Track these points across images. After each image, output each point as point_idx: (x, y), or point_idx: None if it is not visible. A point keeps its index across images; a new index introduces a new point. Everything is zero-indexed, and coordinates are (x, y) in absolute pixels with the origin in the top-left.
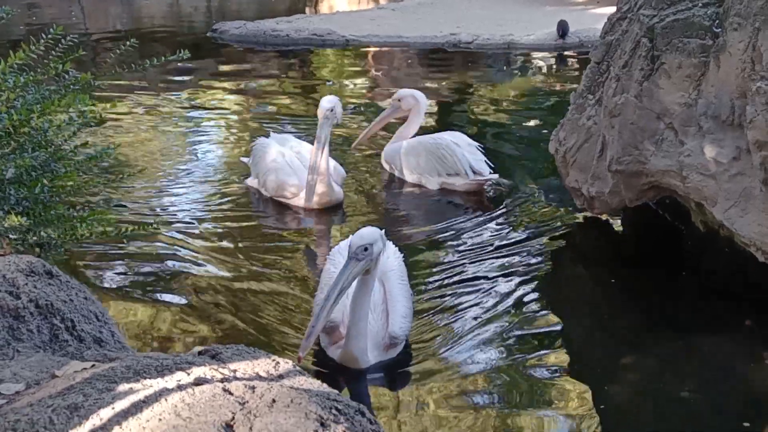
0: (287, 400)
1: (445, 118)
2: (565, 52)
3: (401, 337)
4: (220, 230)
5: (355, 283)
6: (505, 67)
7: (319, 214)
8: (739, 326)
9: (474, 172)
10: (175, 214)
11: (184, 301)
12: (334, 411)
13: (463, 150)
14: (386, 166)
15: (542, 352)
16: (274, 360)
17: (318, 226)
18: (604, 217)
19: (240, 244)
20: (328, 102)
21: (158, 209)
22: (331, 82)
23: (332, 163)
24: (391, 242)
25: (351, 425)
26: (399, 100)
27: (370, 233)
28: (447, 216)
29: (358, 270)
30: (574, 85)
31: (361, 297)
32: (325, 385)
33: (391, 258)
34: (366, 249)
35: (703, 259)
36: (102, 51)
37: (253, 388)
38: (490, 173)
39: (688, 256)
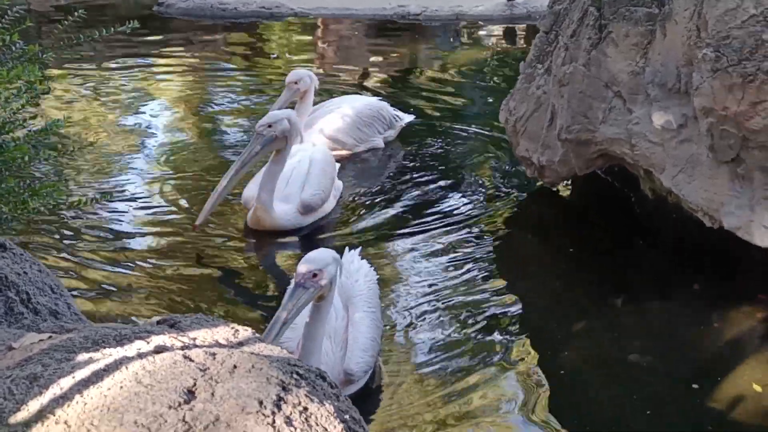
0: (248, 365)
1: (395, 91)
2: (514, 23)
3: (358, 374)
4: (164, 216)
5: (308, 310)
6: (451, 39)
7: (263, 234)
8: (687, 291)
9: (399, 119)
10: (124, 190)
11: (135, 274)
12: (295, 375)
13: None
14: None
15: (495, 321)
16: (233, 327)
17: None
18: (554, 185)
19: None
20: (268, 117)
21: (107, 184)
22: (275, 55)
23: (280, 183)
24: (365, 261)
25: (312, 389)
26: (296, 83)
27: (319, 257)
28: (397, 188)
29: (306, 299)
30: (524, 55)
31: (313, 326)
32: (285, 351)
33: (361, 281)
34: (315, 275)
35: (651, 225)
36: (46, 23)
37: (213, 354)
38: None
39: (637, 222)
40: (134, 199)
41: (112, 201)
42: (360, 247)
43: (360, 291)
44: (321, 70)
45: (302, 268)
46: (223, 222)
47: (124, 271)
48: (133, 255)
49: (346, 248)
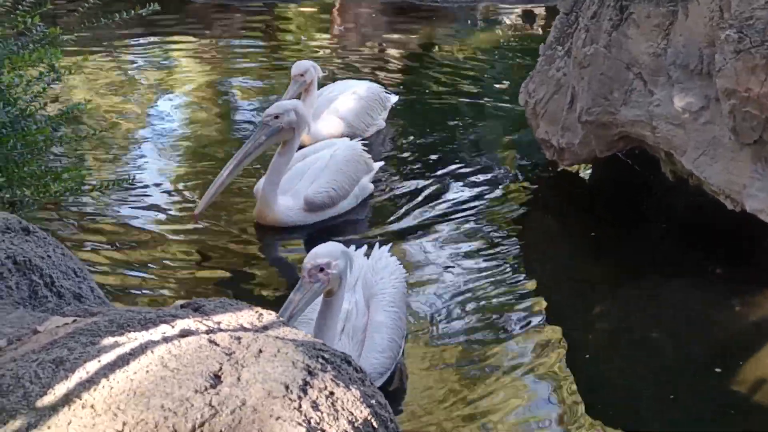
0: (274, 350)
1: (413, 74)
2: (533, 4)
3: (372, 376)
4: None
5: (319, 306)
6: (470, 21)
7: (271, 228)
8: (708, 274)
9: (388, 100)
10: (137, 174)
11: (135, 262)
12: (320, 360)
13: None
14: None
15: (515, 305)
16: (257, 312)
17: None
18: (574, 168)
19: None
20: (275, 107)
21: (122, 168)
22: (289, 37)
23: (296, 177)
24: (395, 258)
25: (338, 373)
26: (302, 75)
27: (327, 251)
28: (416, 172)
29: (313, 294)
30: (543, 37)
31: (324, 322)
32: (309, 335)
33: (386, 279)
34: (321, 269)
35: (672, 208)
36: (66, 6)
37: (239, 338)
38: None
39: (658, 205)
40: (145, 185)
41: (130, 186)
42: (390, 244)
43: (383, 289)
44: (338, 53)
45: (309, 262)
46: (234, 213)
47: (124, 257)
48: (137, 243)
49: (376, 244)
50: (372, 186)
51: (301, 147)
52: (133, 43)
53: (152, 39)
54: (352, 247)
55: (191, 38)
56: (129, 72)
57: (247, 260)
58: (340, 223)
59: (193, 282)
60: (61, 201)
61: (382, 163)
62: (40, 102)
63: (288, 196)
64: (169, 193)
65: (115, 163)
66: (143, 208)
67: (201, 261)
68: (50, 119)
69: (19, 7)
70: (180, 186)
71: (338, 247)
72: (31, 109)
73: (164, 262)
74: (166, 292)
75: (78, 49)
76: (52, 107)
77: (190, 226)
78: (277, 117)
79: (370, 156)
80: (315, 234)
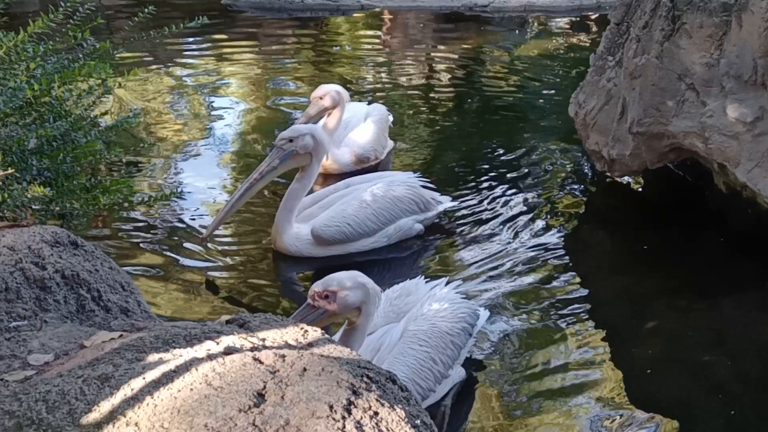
0: (318, 368)
1: (463, 84)
2: (583, 14)
3: None
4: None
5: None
6: (517, 31)
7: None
8: (763, 288)
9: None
10: (189, 190)
11: (201, 271)
12: (365, 379)
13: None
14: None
15: (566, 317)
16: (302, 328)
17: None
18: (625, 180)
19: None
20: (290, 131)
21: (174, 181)
22: (337, 47)
23: (306, 202)
24: (456, 296)
25: (383, 393)
26: (321, 98)
27: (338, 279)
28: (464, 181)
29: (312, 319)
30: (593, 48)
31: None
32: (354, 353)
33: (427, 315)
34: (327, 296)
35: (725, 220)
36: (117, 19)
37: (283, 356)
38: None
39: (711, 217)
40: (179, 200)
41: (168, 202)
42: (459, 282)
43: (418, 325)
44: (387, 63)
45: (316, 286)
46: (258, 238)
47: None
48: (155, 259)
49: (445, 279)
50: (419, 226)
51: (352, 174)
52: (183, 52)
53: (202, 49)
54: (420, 278)
55: (241, 49)
56: (179, 84)
57: (259, 287)
58: (366, 257)
59: (207, 305)
60: (103, 215)
61: (453, 204)
62: (90, 115)
63: (306, 225)
64: (202, 208)
65: (162, 176)
66: (164, 221)
67: (212, 285)
68: (100, 133)
69: (71, 21)
70: (212, 202)
71: (356, 277)
72: (81, 122)
73: (175, 283)
74: (171, 313)
75: (130, 61)
76: (103, 118)
77: (209, 245)
78: (291, 141)
79: (438, 193)
80: (339, 267)
